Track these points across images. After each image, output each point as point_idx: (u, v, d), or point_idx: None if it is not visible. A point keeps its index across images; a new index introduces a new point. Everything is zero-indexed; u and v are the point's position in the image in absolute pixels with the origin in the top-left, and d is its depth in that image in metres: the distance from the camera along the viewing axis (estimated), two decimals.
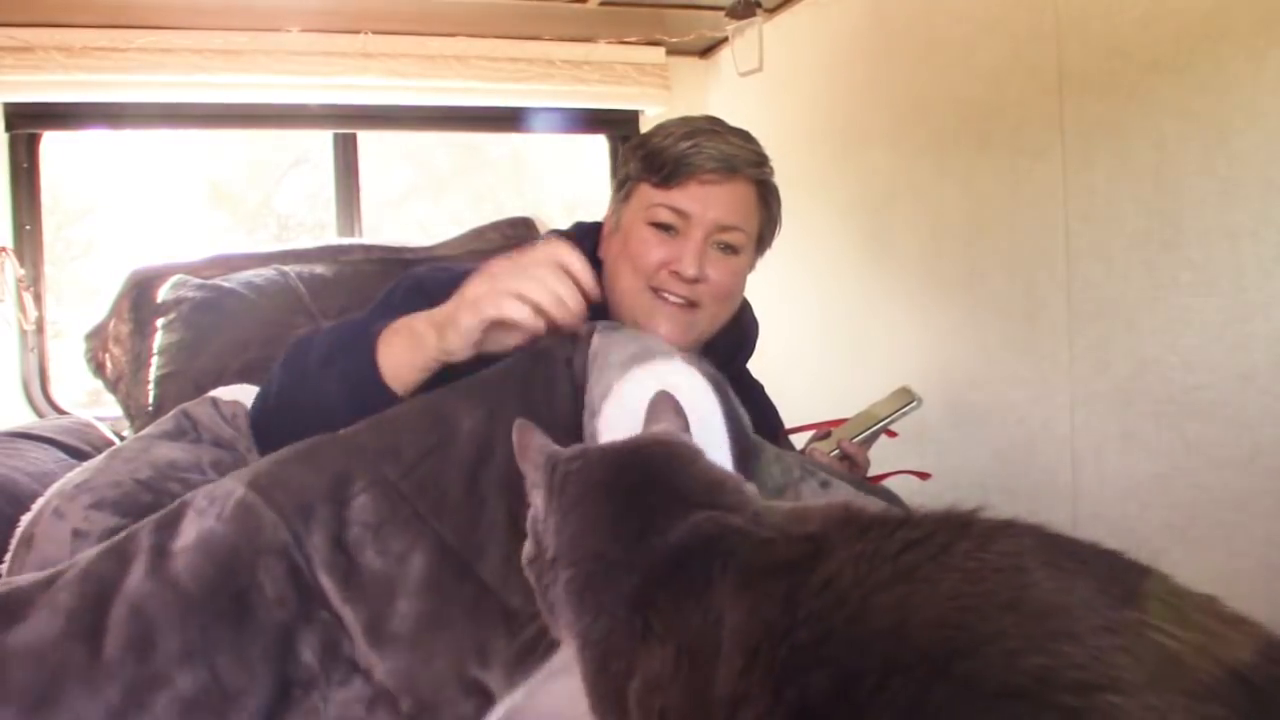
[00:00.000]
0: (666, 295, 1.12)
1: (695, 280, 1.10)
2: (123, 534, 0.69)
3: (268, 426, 1.02)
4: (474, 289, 0.88)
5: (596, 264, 1.20)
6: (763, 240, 1.20)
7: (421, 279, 1.14)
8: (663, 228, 1.11)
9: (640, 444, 0.63)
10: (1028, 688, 0.36)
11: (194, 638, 0.62)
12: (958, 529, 0.45)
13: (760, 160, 1.15)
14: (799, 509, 0.55)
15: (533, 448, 0.64)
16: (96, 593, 0.63)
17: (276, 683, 0.65)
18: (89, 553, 0.68)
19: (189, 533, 0.69)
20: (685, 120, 1.15)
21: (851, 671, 0.40)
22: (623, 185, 1.18)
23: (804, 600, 0.44)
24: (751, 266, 1.21)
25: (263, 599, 0.66)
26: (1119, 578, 0.42)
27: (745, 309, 1.31)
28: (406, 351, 0.91)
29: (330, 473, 0.74)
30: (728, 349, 1.27)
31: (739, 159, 1.11)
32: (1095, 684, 0.35)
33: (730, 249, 1.13)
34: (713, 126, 1.13)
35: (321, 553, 0.70)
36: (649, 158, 1.13)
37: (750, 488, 0.61)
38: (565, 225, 1.30)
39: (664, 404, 0.70)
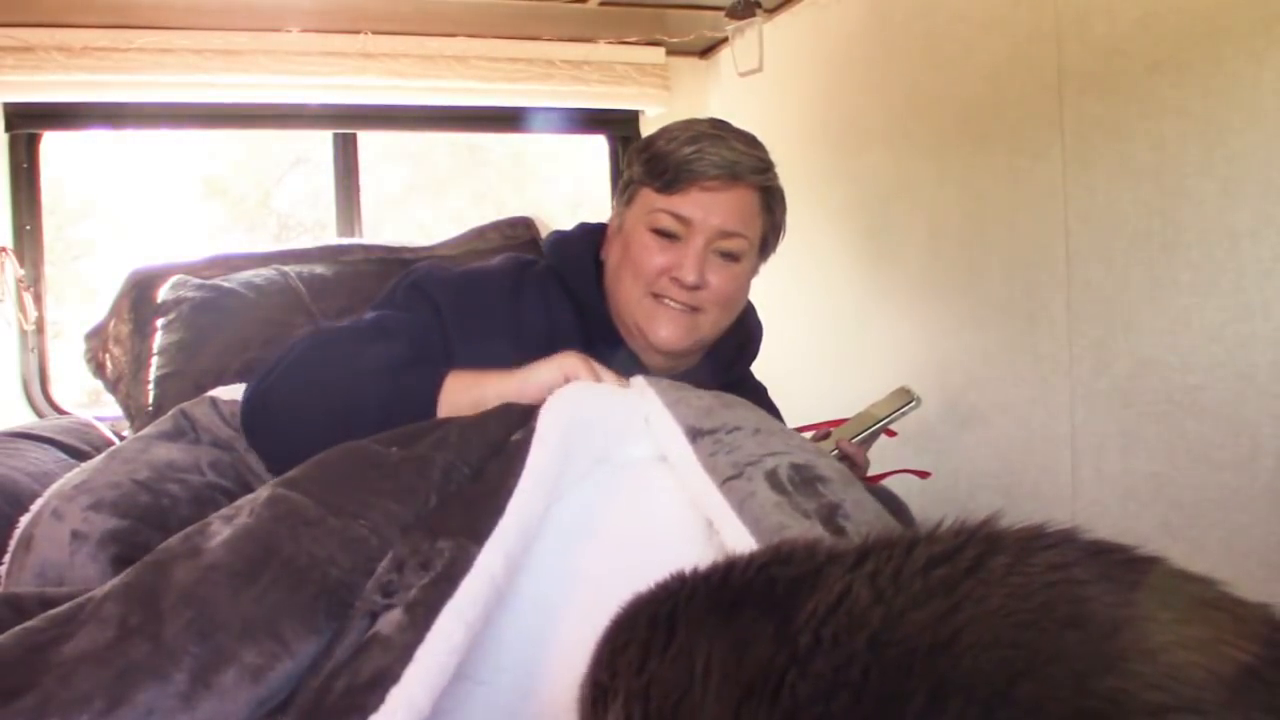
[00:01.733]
0: (667, 301, 1.12)
1: (695, 287, 1.10)
2: (149, 555, 0.69)
3: (273, 407, 0.99)
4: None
5: (598, 265, 1.20)
6: (766, 246, 1.19)
7: (420, 279, 1.14)
8: (664, 234, 1.11)
9: None
10: (1101, 711, 0.33)
11: (252, 610, 0.62)
12: (986, 542, 0.42)
13: (764, 166, 1.13)
14: (772, 546, 0.53)
15: None
16: (142, 595, 0.63)
17: (340, 626, 0.64)
18: (119, 577, 0.68)
19: (221, 533, 0.69)
20: (689, 124, 1.14)
21: (888, 694, 0.37)
22: (626, 188, 1.17)
23: (805, 628, 0.41)
24: (755, 272, 1.20)
25: (314, 560, 0.66)
26: (1177, 588, 0.39)
27: (749, 312, 1.31)
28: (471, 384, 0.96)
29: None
30: (730, 353, 1.27)
31: (741, 165, 1.10)
32: (1173, 705, 0.33)
33: (731, 256, 1.12)
34: (717, 131, 1.12)
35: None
36: (652, 162, 1.12)
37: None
38: (565, 225, 1.30)
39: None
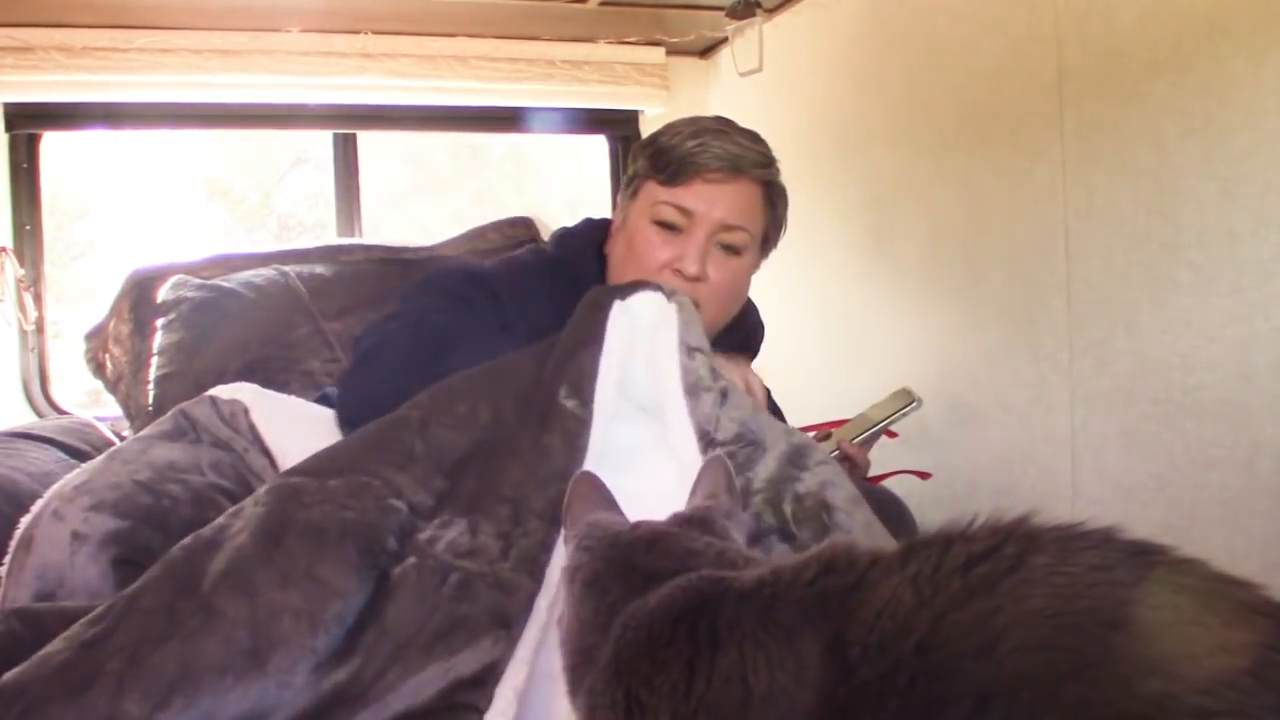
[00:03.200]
0: None
1: (696, 279, 1.11)
2: (165, 559, 0.73)
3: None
4: None
5: (602, 260, 1.21)
6: (767, 241, 1.20)
7: (435, 279, 1.19)
8: (667, 226, 1.12)
9: (636, 533, 0.59)
10: (1147, 715, 0.33)
11: (286, 564, 0.67)
12: (1025, 540, 0.42)
13: (767, 161, 1.15)
14: (817, 553, 0.51)
15: (573, 512, 0.63)
16: (178, 585, 0.67)
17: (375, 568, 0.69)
18: (134, 585, 0.70)
19: (236, 525, 0.73)
20: (694, 120, 1.16)
21: (935, 698, 0.37)
22: (630, 183, 1.18)
23: (854, 640, 0.41)
24: (756, 267, 1.21)
25: (326, 514, 0.71)
26: (1220, 591, 0.39)
27: (750, 311, 1.31)
28: None
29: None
30: (730, 350, 1.28)
31: (745, 159, 1.11)
32: (1219, 710, 0.32)
33: (733, 249, 1.13)
34: (721, 126, 1.14)
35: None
36: (656, 156, 1.13)
37: (756, 555, 0.57)
38: (567, 225, 1.30)
39: (709, 473, 0.67)
